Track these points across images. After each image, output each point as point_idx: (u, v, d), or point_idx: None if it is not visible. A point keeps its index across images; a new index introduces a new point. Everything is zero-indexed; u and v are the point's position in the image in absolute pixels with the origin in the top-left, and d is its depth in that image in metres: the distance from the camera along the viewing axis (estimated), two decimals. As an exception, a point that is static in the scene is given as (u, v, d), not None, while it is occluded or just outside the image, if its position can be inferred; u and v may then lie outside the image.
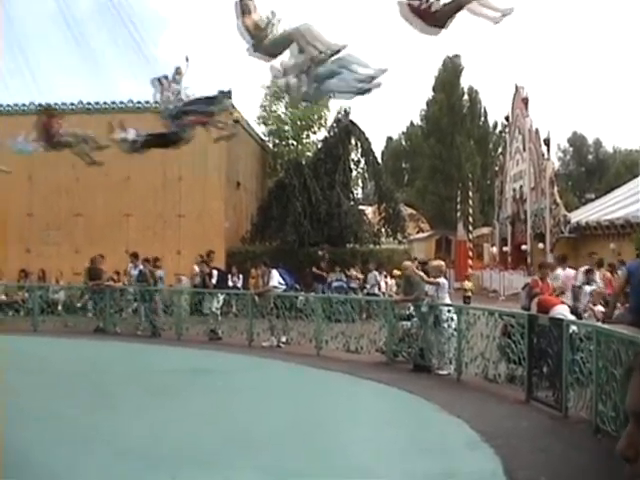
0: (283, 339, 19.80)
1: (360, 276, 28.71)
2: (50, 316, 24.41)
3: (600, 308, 15.78)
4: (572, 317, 12.93)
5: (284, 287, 20.86)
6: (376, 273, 27.11)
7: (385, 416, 11.51)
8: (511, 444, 9.21)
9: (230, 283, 26.08)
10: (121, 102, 31.28)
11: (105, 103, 31.42)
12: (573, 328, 11.32)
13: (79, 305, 25.47)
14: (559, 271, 19.31)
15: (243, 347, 19.59)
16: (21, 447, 9.09)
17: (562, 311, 12.89)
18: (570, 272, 19.85)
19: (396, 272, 24.47)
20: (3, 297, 26.04)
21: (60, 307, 25.78)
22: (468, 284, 35.91)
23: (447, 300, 16.24)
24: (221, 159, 30.92)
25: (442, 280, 16.27)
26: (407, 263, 18.27)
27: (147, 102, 30.94)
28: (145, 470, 8.12)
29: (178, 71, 30.48)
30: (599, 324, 11.77)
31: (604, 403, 9.72)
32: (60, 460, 8.51)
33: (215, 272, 23.71)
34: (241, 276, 27.77)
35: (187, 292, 23.91)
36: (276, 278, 20.58)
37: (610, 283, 19.68)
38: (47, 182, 31.32)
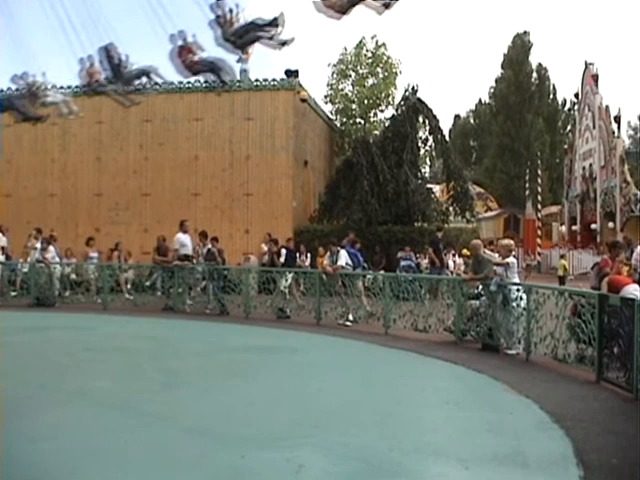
0: (351, 317, 19.82)
1: (425, 262, 28.50)
2: (119, 295, 24.72)
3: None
4: (644, 297, 12.71)
5: (351, 267, 20.88)
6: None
7: (453, 395, 11.45)
8: (581, 426, 9.10)
9: (298, 262, 26.10)
10: (188, 82, 31.36)
11: (172, 83, 31.58)
12: (645, 308, 11.13)
13: (148, 284, 25.74)
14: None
15: (311, 325, 19.68)
16: (83, 422, 9.25)
17: (633, 291, 12.68)
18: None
19: (465, 251, 24.29)
20: (74, 276, 26.33)
21: (129, 286, 26.07)
22: (563, 262, 35.12)
23: (516, 279, 16.10)
24: (289, 138, 31.01)
25: (511, 259, 16.12)
26: (476, 242, 18.11)
27: (214, 81, 31.15)
28: (213, 448, 8.15)
29: (245, 51, 30.50)
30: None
31: (676, 385, 9.58)
32: (126, 436, 8.60)
33: (283, 251, 23.78)
34: (309, 255, 27.82)
35: (255, 271, 23.97)
36: (344, 258, 20.57)
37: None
38: (115, 163, 31.75)
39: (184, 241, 23.61)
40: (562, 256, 37.09)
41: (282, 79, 31.32)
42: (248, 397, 10.97)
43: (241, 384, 12.09)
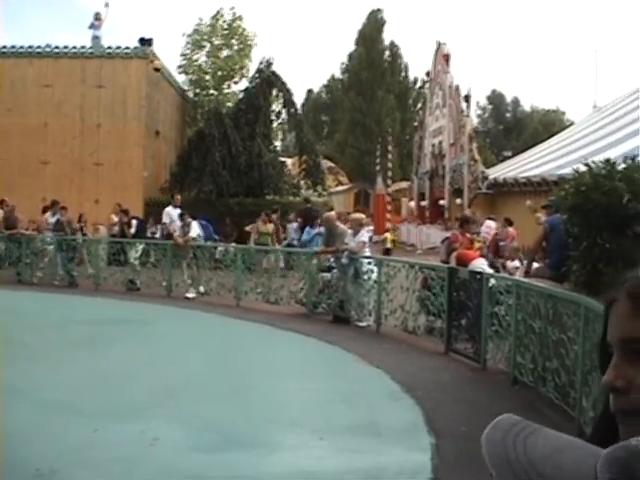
0: (202, 290, 19.74)
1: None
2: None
3: (516, 263, 16.05)
4: (490, 271, 13.08)
5: (203, 238, 20.81)
6: (295, 225, 26.75)
7: (306, 366, 11.53)
8: (432, 395, 9.31)
9: (149, 233, 25.78)
10: (38, 46, 30.68)
11: (22, 47, 30.79)
12: (493, 281, 11.44)
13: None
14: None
15: (162, 297, 19.47)
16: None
17: (480, 264, 13.03)
18: (491, 223, 20.07)
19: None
20: None
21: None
22: (389, 236, 36.24)
23: (367, 252, 16.28)
24: (141, 107, 30.57)
25: (365, 237, 16.27)
26: (330, 214, 18.23)
27: (65, 47, 30.49)
28: (65, 422, 8.01)
29: (98, 17, 29.83)
30: (520, 278, 11.93)
31: (522, 355, 9.86)
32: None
33: (134, 221, 23.45)
34: (159, 226, 27.57)
35: (105, 242, 23.52)
36: (196, 229, 20.45)
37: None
38: (-41, 127, 30.66)
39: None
40: (387, 230, 38.55)
41: (136, 47, 30.82)
42: (100, 370, 10.80)
43: (92, 356, 11.88)
